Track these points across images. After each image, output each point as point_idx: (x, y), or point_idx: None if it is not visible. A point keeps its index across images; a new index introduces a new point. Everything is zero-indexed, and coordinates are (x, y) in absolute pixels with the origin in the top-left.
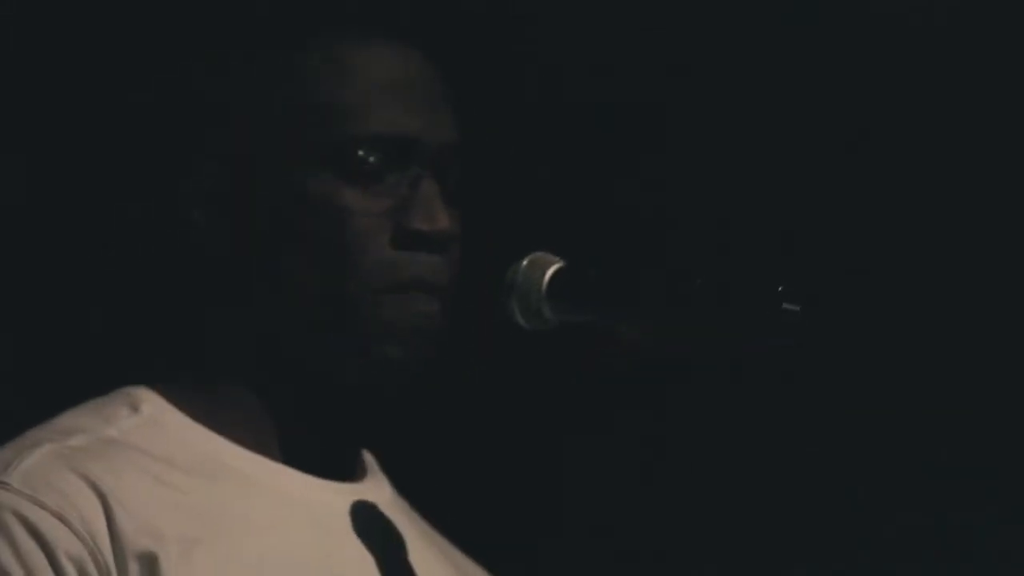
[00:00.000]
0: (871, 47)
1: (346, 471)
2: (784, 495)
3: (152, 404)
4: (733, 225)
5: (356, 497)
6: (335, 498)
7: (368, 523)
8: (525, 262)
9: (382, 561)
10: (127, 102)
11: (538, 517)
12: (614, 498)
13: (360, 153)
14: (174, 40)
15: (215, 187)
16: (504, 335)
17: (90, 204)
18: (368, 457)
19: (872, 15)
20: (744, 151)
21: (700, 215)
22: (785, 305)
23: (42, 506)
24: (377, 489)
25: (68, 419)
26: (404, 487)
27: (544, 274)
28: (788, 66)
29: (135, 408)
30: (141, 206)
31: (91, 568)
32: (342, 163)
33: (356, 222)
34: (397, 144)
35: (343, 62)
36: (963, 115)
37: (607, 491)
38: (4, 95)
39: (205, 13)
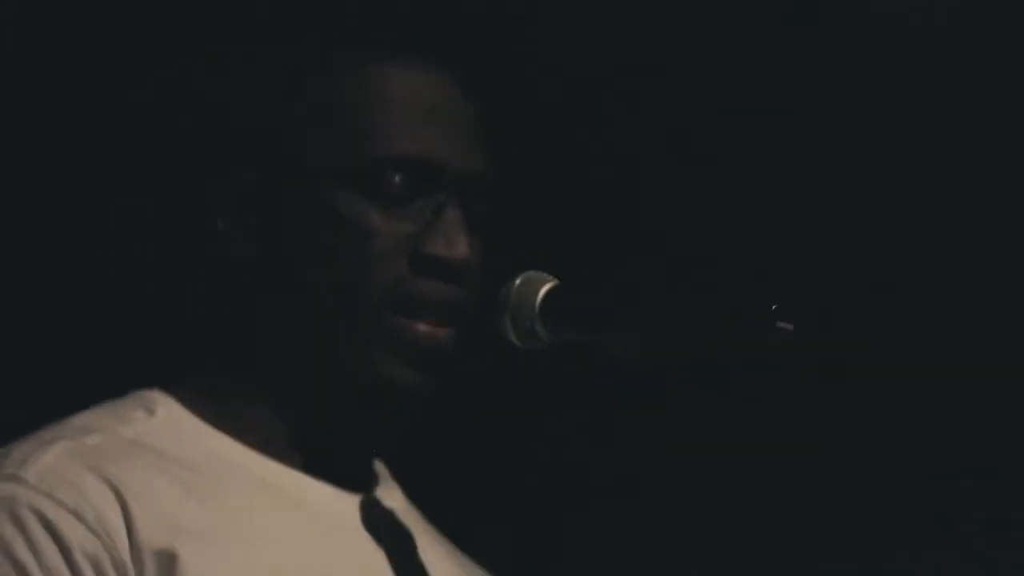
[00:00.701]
0: (871, 47)
1: (359, 480)
2: (781, 502)
3: (167, 407)
4: (726, 240)
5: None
6: (349, 506)
7: (382, 529)
8: (518, 281)
9: (395, 568)
10: (160, 112)
11: (541, 530)
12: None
13: (387, 175)
14: (211, 55)
15: (240, 197)
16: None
17: (113, 208)
18: (380, 466)
19: (872, 15)
20: (741, 163)
21: (695, 232)
22: (779, 324)
23: (58, 502)
24: (390, 497)
25: (84, 419)
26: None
27: (537, 293)
28: (788, 66)
29: (150, 410)
30: (164, 212)
31: (107, 565)
32: (369, 183)
33: (377, 243)
34: (424, 168)
35: (377, 85)
36: (963, 115)
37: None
38: (34, 98)
39: (240, 31)
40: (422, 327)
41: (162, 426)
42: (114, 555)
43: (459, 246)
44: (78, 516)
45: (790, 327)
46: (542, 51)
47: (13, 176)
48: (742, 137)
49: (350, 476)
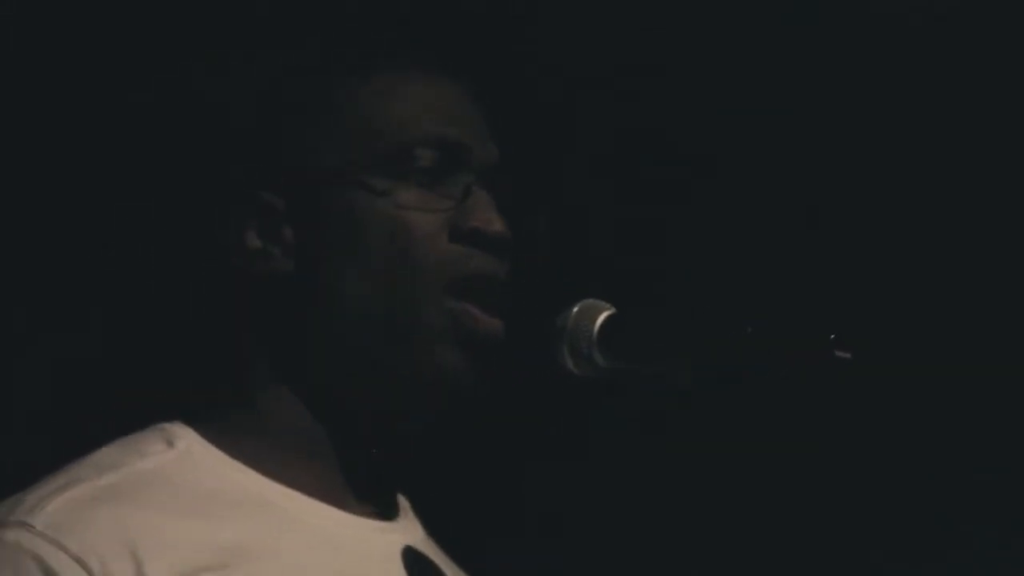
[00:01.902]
0: (871, 47)
1: (382, 510)
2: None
3: (187, 439)
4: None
5: (391, 534)
6: (371, 536)
7: (395, 559)
8: (576, 308)
9: None
10: (179, 134)
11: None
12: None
13: (417, 153)
14: (224, 69)
15: (271, 211)
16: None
17: (132, 229)
18: (402, 499)
19: (872, 15)
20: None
21: (750, 265)
22: (838, 353)
23: (63, 549)
24: (411, 531)
25: (102, 455)
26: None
27: (595, 320)
28: (788, 66)
29: (170, 443)
30: (183, 235)
31: None
32: (399, 165)
33: (416, 220)
34: (452, 149)
35: (397, 87)
36: (963, 114)
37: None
38: (44, 107)
39: (254, 43)
40: (481, 315)
41: (182, 459)
42: None
43: (496, 222)
44: (81, 563)
45: (849, 356)
46: (545, 51)
47: (28, 198)
48: (757, 151)
49: (372, 507)
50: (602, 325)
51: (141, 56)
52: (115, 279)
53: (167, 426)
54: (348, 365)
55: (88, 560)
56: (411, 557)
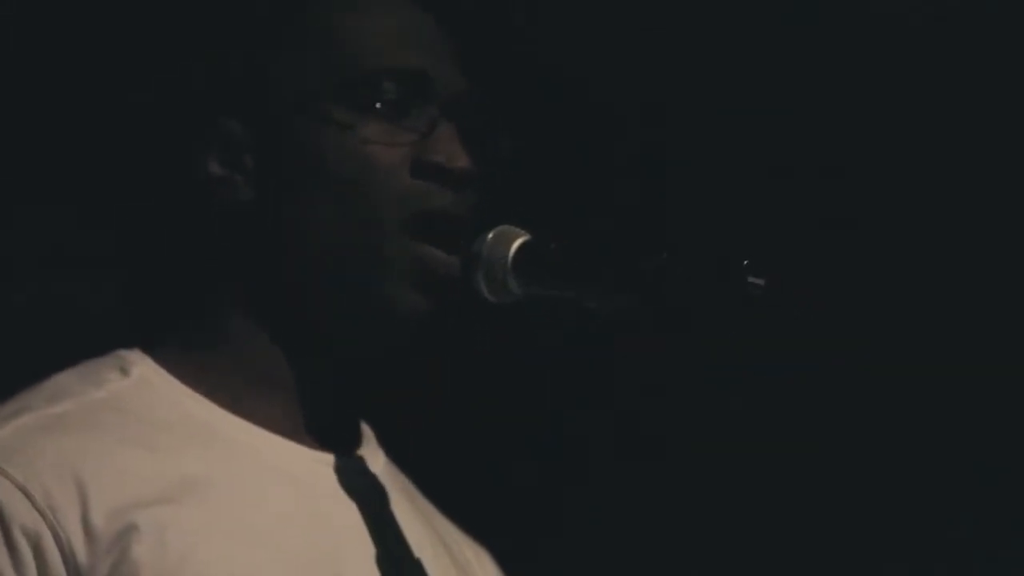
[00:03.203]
0: (871, 47)
1: (342, 443)
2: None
3: (143, 367)
4: (703, 201)
5: (348, 468)
6: (327, 469)
7: (350, 484)
8: (491, 235)
9: (364, 520)
10: (138, 65)
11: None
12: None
13: (382, 85)
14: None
15: (233, 138)
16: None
17: (94, 161)
18: (367, 429)
19: (872, 15)
20: (725, 130)
21: (672, 190)
22: (750, 279)
23: (6, 476)
24: (372, 458)
25: (57, 382)
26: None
27: (510, 247)
28: (788, 66)
29: (125, 371)
30: (145, 163)
31: (49, 543)
32: (364, 96)
33: (378, 154)
34: (416, 80)
35: (364, 14)
36: (962, 114)
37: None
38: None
39: None
40: (438, 254)
41: (135, 387)
42: (58, 533)
43: (460, 157)
44: (25, 492)
45: (761, 283)
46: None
47: None
48: (738, 125)
49: (331, 438)
50: (517, 251)
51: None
52: (81, 207)
53: (124, 353)
54: (309, 293)
55: (32, 489)
56: (366, 490)
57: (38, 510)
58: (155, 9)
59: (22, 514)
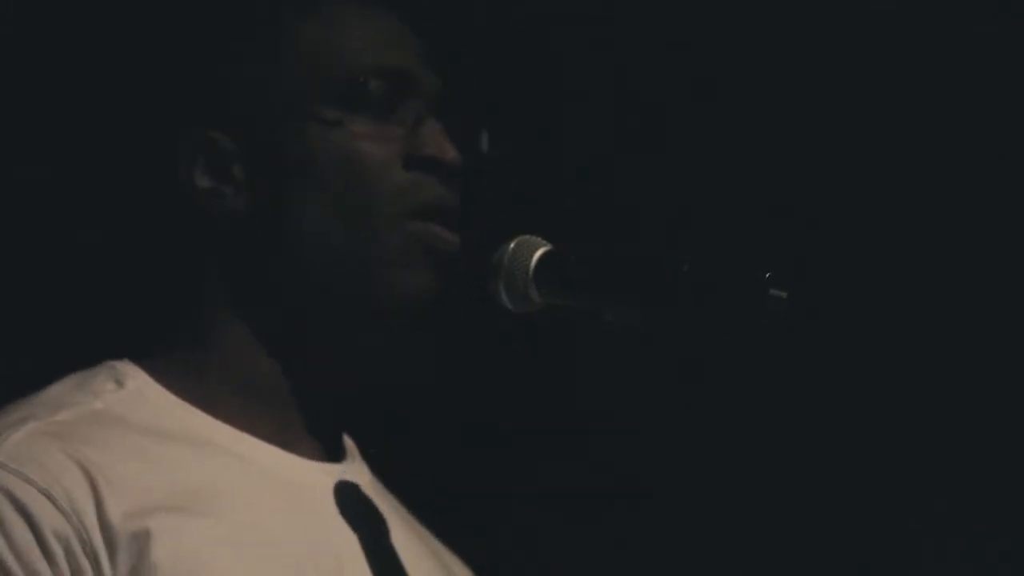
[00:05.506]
0: (870, 46)
1: (329, 452)
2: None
3: (136, 379)
4: (725, 212)
5: (338, 477)
6: (319, 478)
7: (350, 502)
8: (512, 244)
9: (362, 540)
10: (120, 74)
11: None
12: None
13: (369, 83)
14: (171, 10)
15: (219, 150)
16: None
17: (80, 175)
18: (349, 441)
19: (872, 14)
20: (742, 140)
21: (693, 201)
22: (772, 291)
23: (29, 482)
24: (358, 473)
25: (53, 393)
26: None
27: (531, 257)
28: (787, 65)
29: (120, 382)
30: (132, 175)
31: (76, 546)
32: (350, 96)
33: (369, 149)
34: (402, 78)
35: (342, 18)
36: (962, 113)
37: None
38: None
39: None
40: (437, 229)
41: (132, 398)
42: (83, 535)
43: (450, 150)
44: (49, 496)
45: (784, 295)
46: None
47: None
48: (743, 119)
49: (322, 449)
50: (539, 261)
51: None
52: (71, 218)
53: (116, 364)
54: (307, 298)
55: (54, 492)
56: (360, 501)
57: (62, 512)
58: (128, 25)
59: (50, 517)
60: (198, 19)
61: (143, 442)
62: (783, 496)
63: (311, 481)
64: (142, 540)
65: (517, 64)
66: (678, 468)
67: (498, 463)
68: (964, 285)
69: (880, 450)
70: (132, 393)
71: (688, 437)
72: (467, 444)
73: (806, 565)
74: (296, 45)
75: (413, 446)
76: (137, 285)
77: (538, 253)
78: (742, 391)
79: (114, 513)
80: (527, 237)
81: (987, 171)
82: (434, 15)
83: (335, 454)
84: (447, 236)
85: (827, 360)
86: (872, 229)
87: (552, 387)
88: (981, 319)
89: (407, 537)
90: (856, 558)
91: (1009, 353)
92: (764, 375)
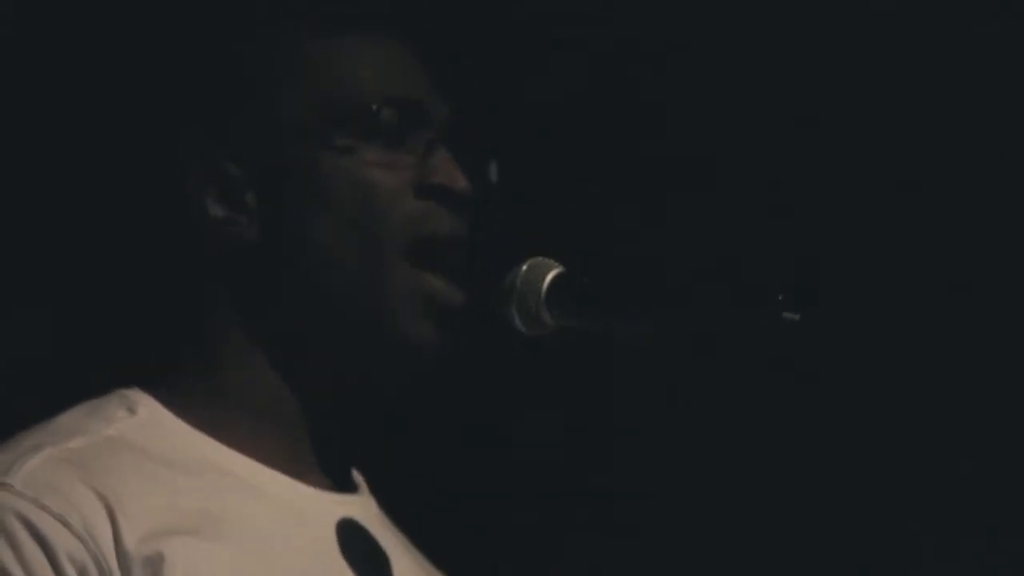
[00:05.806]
0: (870, 46)
1: (339, 483)
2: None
3: (148, 406)
4: (735, 231)
5: (349, 507)
6: (331, 508)
7: (357, 537)
8: (524, 267)
9: (373, 568)
10: (128, 102)
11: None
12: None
13: (380, 111)
14: (179, 37)
15: (231, 179)
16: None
17: (89, 201)
18: (357, 474)
19: (872, 14)
20: (746, 151)
21: (702, 222)
22: (785, 314)
23: (44, 508)
24: (365, 506)
25: (65, 420)
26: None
27: (543, 279)
28: (787, 65)
29: (132, 410)
30: (147, 202)
31: (92, 570)
32: (361, 124)
33: (381, 177)
34: (412, 107)
35: (351, 47)
36: (962, 113)
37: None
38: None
39: (204, 7)
40: (444, 286)
41: (144, 426)
42: (100, 561)
43: (460, 179)
44: (64, 522)
45: (796, 317)
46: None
47: None
48: (748, 129)
49: (332, 479)
50: (551, 284)
51: (92, 25)
52: (81, 249)
53: (127, 392)
54: (318, 327)
55: (70, 518)
56: (371, 531)
57: (78, 537)
58: (137, 47)
59: (65, 543)
60: (209, 44)
61: (156, 469)
62: (783, 496)
63: (322, 510)
64: (156, 564)
65: (523, 87)
66: (678, 468)
67: (498, 463)
68: (964, 286)
69: (880, 451)
70: (144, 420)
71: (688, 437)
72: (466, 444)
73: (806, 565)
74: (307, 72)
75: (413, 446)
76: (147, 313)
77: (550, 275)
78: (742, 391)
79: (129, 539)
80: (539, 259)
81: (987, 171)
82: (443, 42)
83: (344, 485)
84: (446, 290)
85: (827, 360)
86: (872, 229)
87: (552, 387)
88: (981, 319)
89: (412, 561)
90: (856, 558)
91: (1009, 354)
92: (765, 375)
